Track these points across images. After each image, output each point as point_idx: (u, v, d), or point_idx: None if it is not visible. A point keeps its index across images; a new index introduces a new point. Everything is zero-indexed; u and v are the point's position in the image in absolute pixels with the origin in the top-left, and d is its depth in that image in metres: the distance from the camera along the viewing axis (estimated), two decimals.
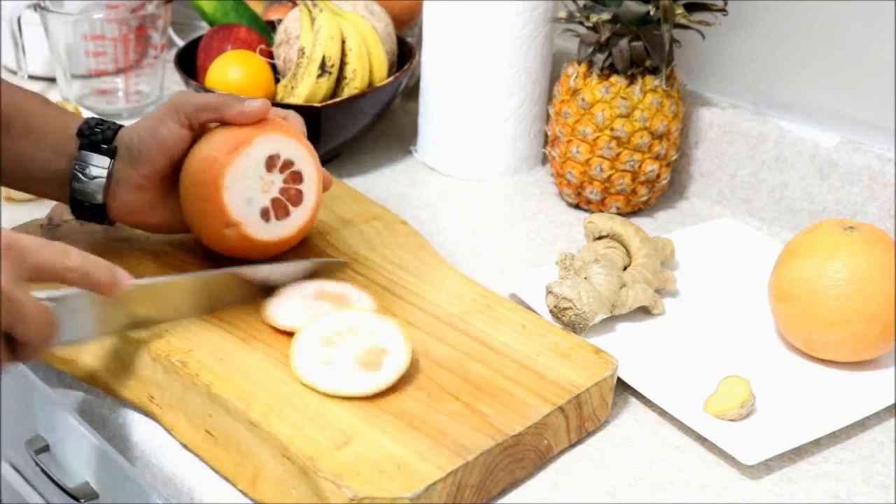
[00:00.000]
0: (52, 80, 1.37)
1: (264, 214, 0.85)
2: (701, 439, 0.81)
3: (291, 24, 1.19)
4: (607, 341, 0.89)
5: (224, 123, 0.85)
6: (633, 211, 1.13)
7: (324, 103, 1.13)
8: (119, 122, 1.28)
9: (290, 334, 0.79)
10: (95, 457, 0.96)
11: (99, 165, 0.85)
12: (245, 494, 0.74)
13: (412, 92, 1.27)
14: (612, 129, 1.07)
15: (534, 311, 0.90)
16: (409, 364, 0.76)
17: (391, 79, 1.17)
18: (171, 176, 0.86)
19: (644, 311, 0.93)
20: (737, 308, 0.95)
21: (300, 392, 0.75)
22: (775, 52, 1.11)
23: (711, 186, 1.15)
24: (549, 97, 1.17)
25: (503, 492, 0.75)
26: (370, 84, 1.17)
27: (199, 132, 0.86)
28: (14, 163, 0.86)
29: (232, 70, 1.16)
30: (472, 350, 0.81)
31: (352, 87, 1.14)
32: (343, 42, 1.14)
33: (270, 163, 0.84)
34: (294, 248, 0.89)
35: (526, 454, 0.75)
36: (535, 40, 1.14)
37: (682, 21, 1.03)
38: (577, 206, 1.13)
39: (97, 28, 1.28)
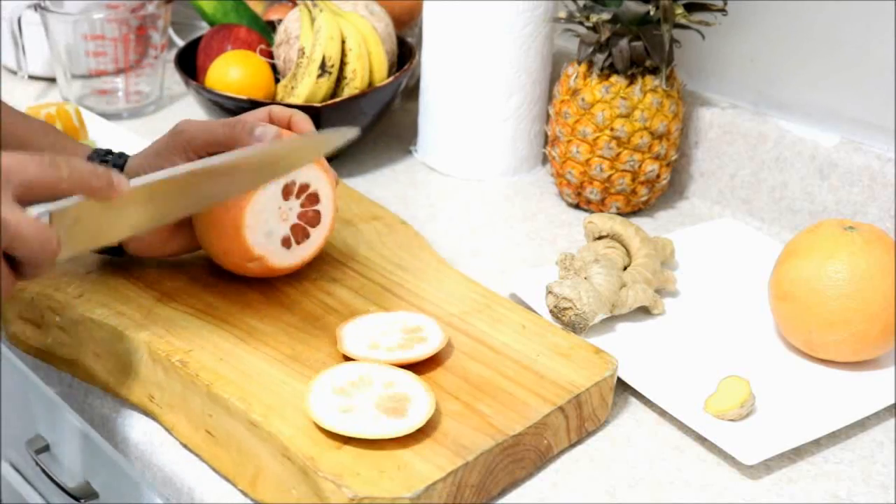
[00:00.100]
0: (52, 80, 1.37)
1: (285, 242, 0.85)
2: (701, 439, 0.81)
3: (291, 24, 1.19)
4: (607, 341, 0.89)
5: None
6: (633, 211, 1.13)
7: (324, 103, 1.13)
8: (119, 122, 1.29)
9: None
10: (95, 457, 0.96)
11: None
12: (245, 494, 0.74)
13: (412, 92, 1.27)
14: (612, 129, 1.07)
15: (534, 311, 0.90)
16: (434, 409, 0.73)
17: (391, 79, 1.17)
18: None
19: (644, 311, 0.93)
20: (737, 308, 0.95)
21: (300, 392, 0.75)
22: (775, 52, 1.11)
23: (711, 186, 1.15)
24: (549, 97, 1.17)
25: (503, 492, 0.75)
26: (370, 84, 1.17)
27: None
28: None
29: (232, 70, 1.16)
30: (472, 350, 0.81)
31: (352, 87, 1.14)
32: (343, 42, 1.14)
33: (287, 191, 0.84)
34: None
35: (526, 454, 0.75)
36: (535, 40, 1.14)
37: (682, 21, 1.03)
38: (577, 206, 1.13)
39: (97, 28, 1.28)
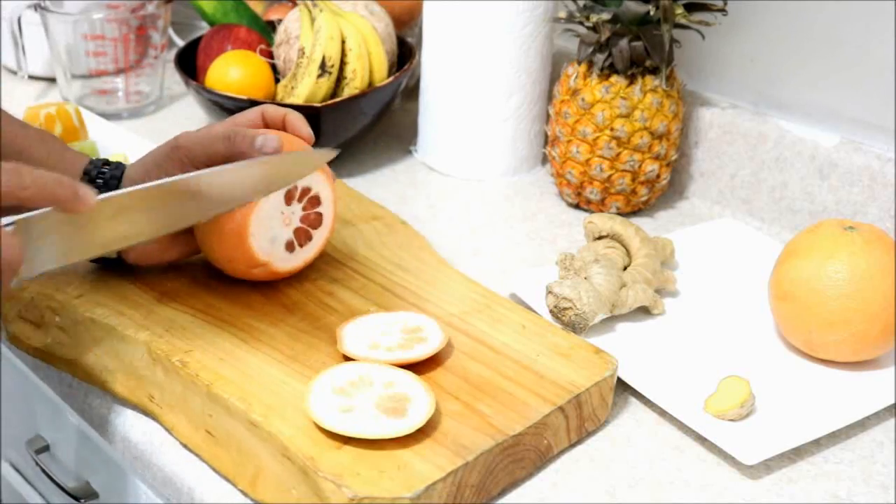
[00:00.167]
0: (52, 80, 1.37)
1: (289, 247, 0.85)
2: (701, 439, 0.81)
3: (291, 24, 1.19)
4: (607, 341, 0.89)
5: None
6: (633, 211, 1.13)
7: (324, 103, 1.13)
8: (119, 122, 1.29)
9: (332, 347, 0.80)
10: (95, 457, 0.96)
11: None
12: (245, 494, 0.74)
13: (412, 92, 1.27)
14: (612, 129, 1.07)
15: (534, 311, 0.90)
16: (434, 409, 0.73)
17: (391, 79, 1.17)
18: None
19: (644, 311, 0.93)
20: (737, 308, 0.95)
21: (300, 392, 0.75)
22: (775, 52, 1.11)
23: (711, 186, 1.15)
24: (549, 97, 1.17)
25: (503, 492, 0.75)
26: (370, 84, 1.17)
27: None
28: (24, 207, 0.84)
29: (232, 70, 1.17)
30: (472, 350, 0.81)
31: (352, 87, 1.14)
32: (343, 42, 1.14)
33: (289, 196, 0.84)
34: None
35: (526, 454, 0.75)
36: (535, 40, 1.14)
37: (682, 21, 1.03)
38: (577, 206, 1.13)
39: (97, 28, 1.28)
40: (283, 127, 0.87)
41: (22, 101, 1.30)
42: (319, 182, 0.86)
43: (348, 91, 1.15)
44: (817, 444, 0.81)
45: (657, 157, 1.09)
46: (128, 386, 0.81)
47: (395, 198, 1.14)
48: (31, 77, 1.37)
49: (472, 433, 0.73)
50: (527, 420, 0.75)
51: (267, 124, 0.87)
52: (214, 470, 0.76)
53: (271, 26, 1.27)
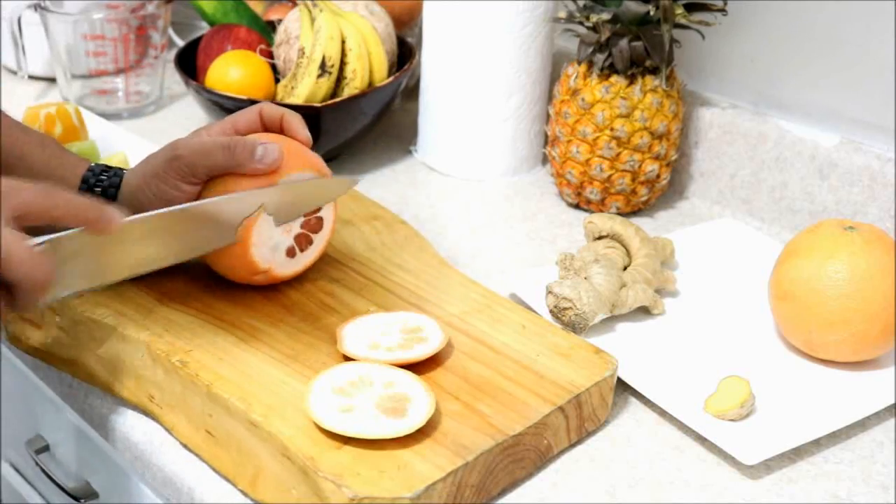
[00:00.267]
0: (52, 80, 1.37)
1: (290, 252, 0.85)
2: (701, 439, 0.81)
3: (291, 24, 1.19)
4: (607, 341, 0.89)
5: None
6: (633, 211, 1.13)
7: (324, 103, 1.13)
8: (119, 122, 1.29)
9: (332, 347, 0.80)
10: (95, 457, 0.96)
11: None
12: (245, 494, 0.74)
13: (412, 92, 1.27)
14: (612, 129, 1.07)
15: (534, 311, 0.90)
16: (434, 409, 0.73)
17: (391, 79, 1.17)
18: None
19: (644, 311, 0.93)
20: (737, 308, 0.95)
21: (300, 392, 0.75)
22: (775, 52, 1.11)
23: (711, 186, 1.15)
24: (549, 97, 1.17)
25: (503, 492, 0.75)
26: (370, 84, 1.17)
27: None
28: None
29: (232, 70, 1.16)
30: (472, 350, 0.81)
31: (352, 87, 1.14)
32: (343, 42, 1.14)
33: None
34: None
35: (526, 454, 0.75)
36: (535, 40, 1.14)
37: (682, 21, 1.03)
38: (577, 206, 1.13)
39: (97, 28, 1.28)
40: (280, 127, 0.87)
41: (22, 101, 1.30)
42: None
43: (348, 91, 1.15)
44: (817, 444, 0.81)
45: (657, 157, 1.09)
46: (128, 386, 0.81)
47: (395, 198, 1.14)
48: (31, 77, 1.37)
49: (472, 433, 0.73)
50: (527, 420, 0.75)
51: (265, 124, 0.87)
52: (214, 470, 0.76)
53: (271, 26, 1.27)
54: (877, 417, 0.84)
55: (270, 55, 1.22)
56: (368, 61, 1.16)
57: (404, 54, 1.23)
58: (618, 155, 1.07)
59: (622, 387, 0.85)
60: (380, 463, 0.70)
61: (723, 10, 1.05)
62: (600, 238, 0.98)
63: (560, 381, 0.78)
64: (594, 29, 1.05)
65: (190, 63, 1.24)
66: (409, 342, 0.80)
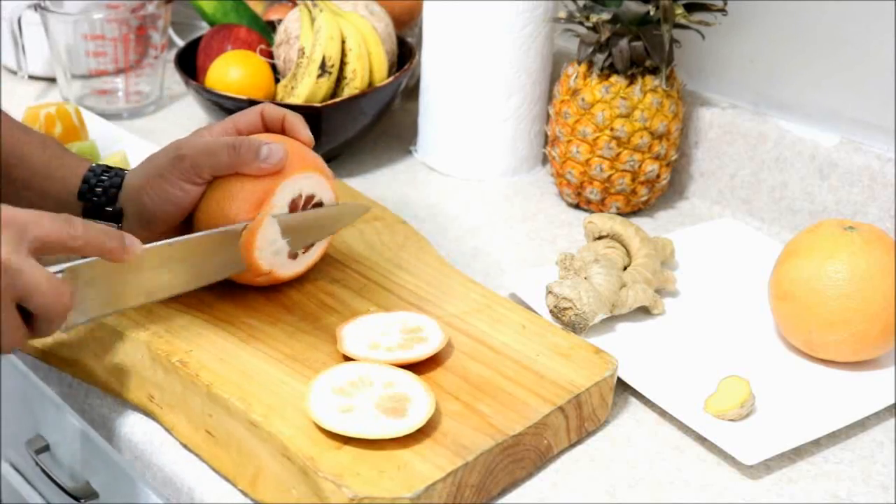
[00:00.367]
0: (52, 80, 1.37)
1: (292, 254, 0.85)
2: (701, 439, 0.81)
3: (291, 24, 1.19)
4: (607, 341, 0.89)
5: None
6: (633, 211, 1.13)
7: (324, 103, 1.13)
8: (119, 122, 1.29)
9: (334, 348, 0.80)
10: (95, 457, 0.96)
11: None
12: (245, 494, 0.74)
13: (412, 92, 1.27)
14: (612, 129, 1.07)
15: (534, 311, 0.90)
16: (434, 409, 0.73)
17: (391, 79, 1.17)
18: (185, 223, 0.84)
19: (644, 311, 0.93)
20: (737, 308, 0.95)
21: (300, 392, 0.75)
22: (775, 52, 1.11)
23: (711, 186, 1.15)
24: (549, 97, 1.17)
25: (503, 492, 0.75)
26: (370, 84, 1.17)
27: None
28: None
29: (232, 70, 1.16)
30: (472, 350, 0.81)
31: (352, 87, 1.14)
32: (343, 42, 1.14)
33: (294, 205, 0.84)
34: None
35: (526, 454, 0.75)
36: (535, 40, 1.14)
37: (682, 21, 1.03)
38: (577, 206, 1.13)
39: (97, 28, 1.28)
40: (282, 128, 0.87)
41: (22, 101, 1.30)
42: (323, 188, 0.86)
43: (348, 91, 1.15)
44: (817, 444, 0.81)
45: (657, 157, 1.09)
46: (128, 386, 0.81)
47: (395, 198, 1.14)
48: (31, 77, 1.37)
49: (472, 433, 0.73)
50: (527, 420, 0.75)
51: (266, 124, 0.87)
52: (214, 470, 0.76)
53: (271, 26, 1.27)
54: (877, 417, 0.84)
55: (270, 55, 1.22)
56: (368, 61, 1.16)
57: (404, 54, 1.23)
58: (618, 155, 1.07)
59: (622, 387, 0.85)
60: (380, 463, 0.70)
61: (723, 10, 1.05)
62: (600, 238, 0.98)
63: (560, 381, 0.78)
64: (594, 29, 1.05)
65: (190, 63, 1.24)
66: (409, 342, 0.80)
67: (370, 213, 0.99)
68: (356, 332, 0.81)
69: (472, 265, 1.01)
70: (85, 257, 0.72)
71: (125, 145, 1.15)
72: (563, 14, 1.08)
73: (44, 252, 0.68)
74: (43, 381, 0.91)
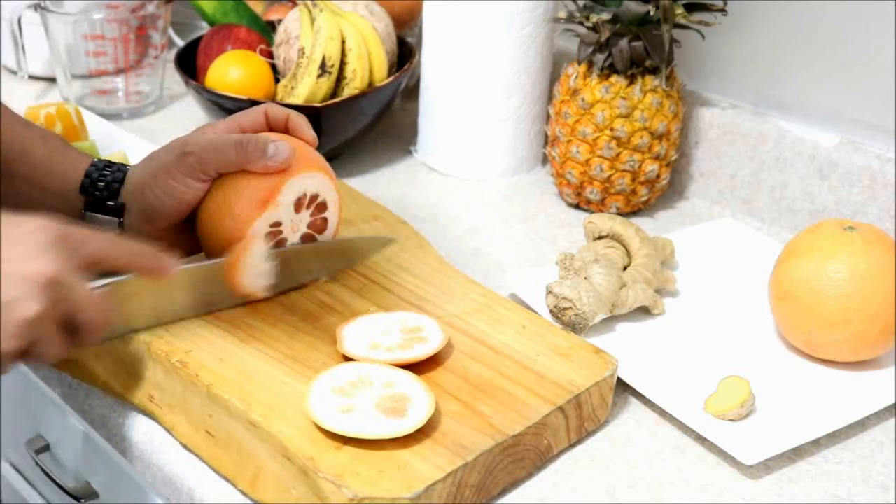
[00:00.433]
0: (52, 80, 1.37)
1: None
2: (701, 439, 0.81)
3: (291, 24, 1.19)
4: (607, 341, 0.89)
5: None
6: (633, 211, 1.13)
7: (324, 103, 1.13)
8: (119, 122, 1.29)
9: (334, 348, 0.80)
10: (95, 457, 0.96)
11: (107, 224, 0.84)
12: (245, 494, 0.74)
13: (412, 92, 1.27)
14: (612, 129, 1.07)
15: (534, 311, 0.90)
16: (434, 409, 0.73)
17: (391, 79, 1.17)
18: (188, 220, 0.85)
19: (644, 311, 0.93)
20: (737, 308, 0.95)
21: (300, 392, 0.75)
22: (775, 52, 1.11)
23: (711, 186, 1.15)
24: (549, 97, 1.17)
25: (503, 492, 0.75)
26: (370, 84, 1.17)
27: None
28: (27, 208, 0.83)
29: (232, 70, 1.16)
30: (472, 350, 0.81)
31: (352, 87, 1.14)
32: (343, 42, 1.14)
33: (299, 204, 0.84)
34: None
35: (526, 454, 0.75)
36: (535, 40, 1.14)
37: (682, 21, 1.03)
38: (577, 206, 1.14)
39: (97, 28, 1.28)
40: (285, 128, 0.87)
41: (22, 101, 1.30)
42: (328, 188, 0.86)
43: (348, 91, 1.15)
44: (817, 444, 0.81)
45: (657, 157, 1.09)
46: (128, 386, 0.81)
47: (395, 198, 1.14)
48: (31, 77, 1.37)
49: (472, 433, 0.73)
50: (527, 420, 0.75)
51: (270, 124, 0.87)
52: (214, 470, 0.76)
53: (271, 26, 1.27)
54: (877, 417, 0.84)
55: (270, 55, 1.22)
56: (368, 61, 1.16)
57: (404, 54, 1.23)
58: (618, 155, 1.07)
59: (622, 387, 0.85)
60: (380, 463, 0.70)
61: (723, 10, 1.05)
62: (600, 238, 0.98)
63: (560, 381, 0.78)
64: (594, 29, 1.05)
65: (190, 63, 1.24)
66: (409, 342, 0.80)
67: (370, 212, 0.99)
68: (356, 332, 0.81)
69: (472, 265, 1.01)
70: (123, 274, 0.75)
71: (125, 145, 1.15)
72: (563, 14, 1.08)
73: (91, 270, 0.69)
74: (43, 382, 0.91)
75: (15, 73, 1.38)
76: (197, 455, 0.78)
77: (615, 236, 0.97)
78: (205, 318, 0.83)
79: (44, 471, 1.01)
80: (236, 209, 0.82)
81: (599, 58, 1.06)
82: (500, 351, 0.81)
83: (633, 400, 0.85)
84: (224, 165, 0.82)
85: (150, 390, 0.80)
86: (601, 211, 1.11)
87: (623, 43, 1.04)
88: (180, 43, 1.38)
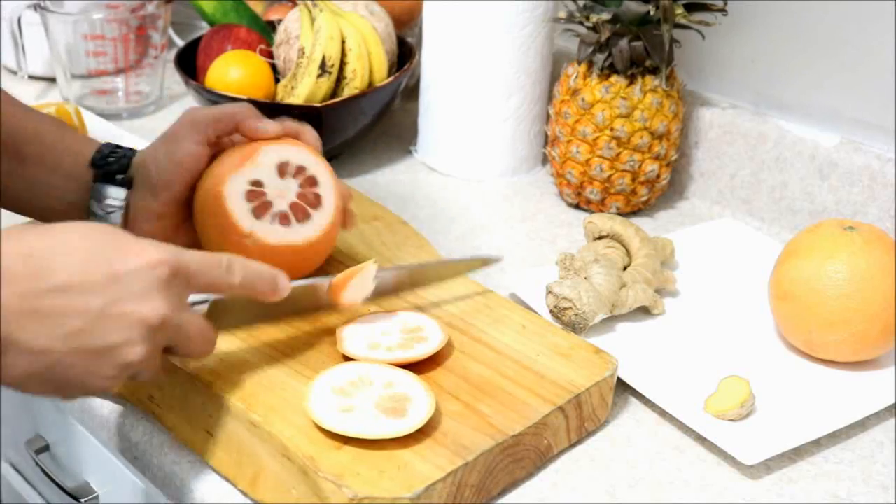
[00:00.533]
0: (52, 80, 1.37)
1: (283, 220, 0.84)
2: (701, 439, 0.81)
3: (291, 24, 1.19)
4: (607, 341, 0.89)
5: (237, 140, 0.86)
6: (633, 211, 1.13)
7: (324, 103, 1.13)
8: (119, 122, 1.29)
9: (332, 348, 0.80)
10: (95, 457, 0.96)
11: (115, 197, 0.84)
12: (245, 494, 0.74)
13: (412, 92, 1.27)
14: (612, 129, 1.07)
15: (534, 311, 0.90)
16: (434, 409, 0.73)
17: (391, 79, 1.17)
18: (190, 200, 0.85)
19: (644, 311, 0.93)
20: (737, 308, 0.95)
21: (300, 392, 0.75)
22: (775, 52, 1.11)
23: (711, 186, 1.15)
24: (549, 97, 1.17)
25: (503, 492, 0.75)
26: (370, 84, 1.17)
27: (215, 149, 0.85)
28: (31, 192, 0.84)
29: (232, 70, 1.17)
30: (472, 350, 0.81)
31: (352, 87, 1.14)
32: (343, 42, 1.14)
33: (282, 170, 0.84)
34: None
35: (526, 454, 0.75)
36: (535, 40, 1.14)
37: (682, 21, 1.04)
38: (577, 206, 1.14)
39: (97, 28, 1.28)
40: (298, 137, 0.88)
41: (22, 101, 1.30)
42: (315, 164, 0.85)
43: (348, 91, 1.15)
44: (817, 444, 0.81)
45: (657, 157, 1.09)
46: (128, 386, 0.81)
47: (395, 198, 1.14)
48: (31, 77, 1.37)
49: (472, 433, 0.73)
50: (527, 420, 0.75)
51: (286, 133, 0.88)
52: (214, 470, 0.76)
53: (271, 26, 1.27)
54: (877, 417, 0.84)
55: (270, 55, 1.22)
56: (368, 61, 1.16)
57: (404, 54, 1.23)
58: (618, 155, 1.07)
59: (622, 387, 0.85)
60: (380, 463, 0.70)
61: (723, 10, 1.05)
62: (600, 238, 0.98)
63: (560, 381, 0.78)
64: (594, 29, 1.05)
65: (190, 63, 1.24)
66: (409, 342, 0.80)
67: (370, 212, 0.99)
68: (356, 332, 0.81)
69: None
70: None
71: (125, 145, 1.14)
72: (563, 14, 1.08)
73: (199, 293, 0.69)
74: None
75: (15, 73, 1.38)
76: (197, 455, 0.78)
77: (615, 236, 0.97)
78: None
79: (44, 471, 1.01)
80: (216, 170, 0.83)
81: (599, 58, 1.06)
82: (500, 351, 0.81)
83: (633, 400, 0.85)
84: (219, 117, 0.83)
85: (150, 390, 0.80)
86: (601, 211, 1.11)
87: (623, 43, 1.04)
88: (180, 43, 1.38)
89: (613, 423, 0.83)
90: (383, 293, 0.85)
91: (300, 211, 0.84)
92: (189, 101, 1.33)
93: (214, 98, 1.15)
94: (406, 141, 1.26)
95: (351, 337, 0.80)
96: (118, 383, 0.65)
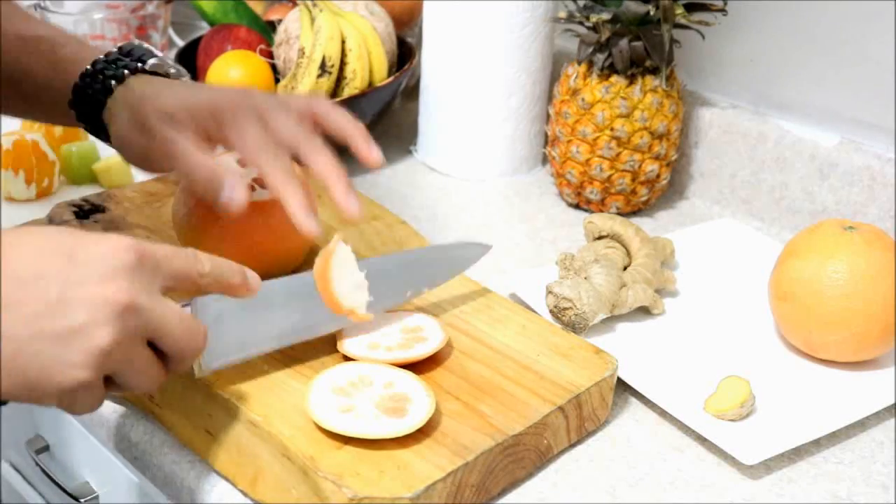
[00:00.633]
0: None
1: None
2: (701, 439, 0.81)
3: (291, 24, 1.19)
4: (607, 341, 0.89)
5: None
6: (633, 211, 1.13)
7: None
8: None
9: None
10: (95, 457, 0.96)
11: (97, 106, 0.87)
12: (245, 494, 0.74)
13: (412, 92, 1.27)
14: (612, 129, 1.07)
15: (534, 311, 0.90)
16: (434, 409, 0.73)
17: (391, 79, 1.17)
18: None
19: (644, 311, 0.93)
20: (737, 308, 0.95)
21: (300, 392, 0.75)
22: (775, 52, 1.11)
23: (711, 186, 1.15)
24: (549, 97, 1.17)
25: (503, 492, 0.75)
26: (370, 84, 1.17)
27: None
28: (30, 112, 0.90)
29: (232, 70, 1.17)
30: (472, 350, 0.81)
31: (352, 87, 1.14)
32: (343, 42, 1.14)
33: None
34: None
35: (526, 454, 0.75)
36: (535, 40, 1.14)
37: (682, 21, 1.04)
38: (577, 206, 1.14)
39: (97, 28, 1.28)
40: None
41: None
42: None
43: (348, 91, 1.15)
44: (817, 444, 0.81)
45: (657, 157, 1.09)
46: None
47: (395, 198, 1.14)
48: None
49: (472, 433, 0.73)
50: (527, 420, 0.75)
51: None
52: (214, 470, 0.76)
53: (271, 26, 1.28)
54: (877, 417, 0.84)
55: (270, 55, 1.22)
56: (368, 61, 1.16)
57: (404, 54, 1.23)
58: (618, 155, 1.07)
59: (622, 387, 0.85)
60: (380, 463, 0.70)
61: (723, 10, 1.05)
62: (600, 238, 0.98)
63: (560, 381, 0.78)
64: (594, 29, 1.05)
65: (190, 63, 1.24)
66: (409, 342, 0.80)
67: (370, 212, 0.99)
68: (356, 332, 0.81)
69: (472, 265, 1.00)
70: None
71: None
72: (563, 14, 1.08)
73: (172, 289, 0.66)
74: None
75: None
76: (197, 455, 0.78)
77: (615, 236, 0.97)
78: None
79: (44, 471, 1.01)
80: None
81: (599, 58, 1.06)
82: (500, 351, 0.81)
83: (633, 400, 0.85)
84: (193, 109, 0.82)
85: None
86: (601, 211, 1.11)
87: (623, 43, 1.04)
88: (180, 43, 1.38)
89: (613, 423, 0.83)
90: (389, 294, 0.83)
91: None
92: None
93: None
94: (406, 141, 1.26)
95: (351, 337, 0.80)
96: (93, 375, 0.62)
